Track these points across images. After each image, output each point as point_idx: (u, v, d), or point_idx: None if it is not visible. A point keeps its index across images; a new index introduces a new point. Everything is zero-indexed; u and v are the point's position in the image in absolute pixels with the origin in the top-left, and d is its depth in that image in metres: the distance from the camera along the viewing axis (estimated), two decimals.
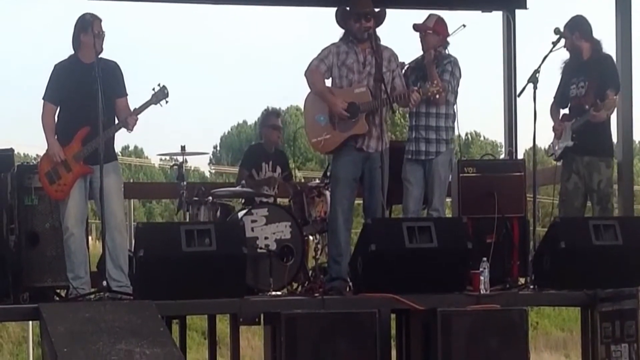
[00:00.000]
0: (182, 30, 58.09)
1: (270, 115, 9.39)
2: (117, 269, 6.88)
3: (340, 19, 7.42)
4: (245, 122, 37.85)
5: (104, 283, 6.70)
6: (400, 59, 7.59)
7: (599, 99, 7.54)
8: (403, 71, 7.61)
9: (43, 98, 7.05)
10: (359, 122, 7.25)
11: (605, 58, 7.91)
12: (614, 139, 8.23)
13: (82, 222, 7.08)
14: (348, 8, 7.40)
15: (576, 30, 7.78)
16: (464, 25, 7.74)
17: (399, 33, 8.14)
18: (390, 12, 7.60)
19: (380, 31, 7.40)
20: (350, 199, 7.34)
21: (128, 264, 6.92)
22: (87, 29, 6.98)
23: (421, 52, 7.74)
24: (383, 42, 7.40)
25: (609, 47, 8.38)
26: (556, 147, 7.85)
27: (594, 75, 7.72)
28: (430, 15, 7.77)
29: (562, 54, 7.82)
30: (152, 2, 10.47)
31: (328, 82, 7.43)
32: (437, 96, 7.32)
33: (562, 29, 7.63)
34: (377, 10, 7.36)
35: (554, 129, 7.84)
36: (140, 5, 10.49)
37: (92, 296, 6.75)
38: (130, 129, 7.00)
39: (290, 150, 12.22)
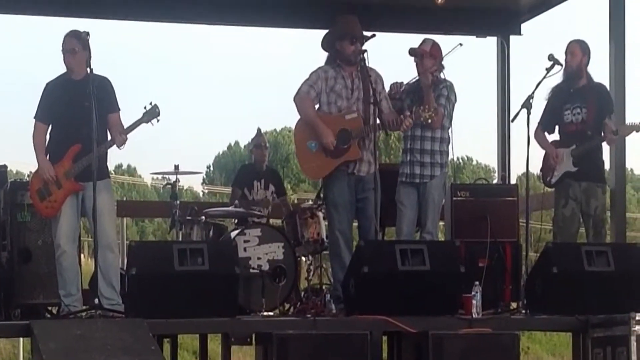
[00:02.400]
0: (177, 49, 58.16)
1: (256, 136, 9.72)
2: (109, 287, 6.86)
3: (331, 41, 7.39)
4: (237, 143, 37.91)
5: (96, 301, 6.68)
6: (397, 80, 7.64)
7: (611, 123, 7.69)
8: (400, 92, 7.64)
9: (34, 117, 7.04)
10: (351, 148, 7.26)
11: (602, 86, 7.99)
12: (607, 166, 8.27)
13: (74, 239, 7.06)
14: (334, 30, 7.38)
15: (586, 55, 7.84)
16: (461, 44, 7.76)
17: (393, 57, 8.17)
18: (385, 37, 7.64)
19: (373, 54, 7.43)
20: (350, 221, 7.36)
21: (120, 282, 6.91)
22: (63, 47, 7.00)
23: (416, 76, 7.75)
24: (373, 65, 7.38)
25: (603, 74, 8.47)
26: (555, 173, 7.87)
27: (593, 101, 7.77)
28: (425, 40, 7.78)
29: (555, 80, 7.85)
30: (148, 21, 10.48)
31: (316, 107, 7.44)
32: (430, 121, 7.33)
33: (556, 56, 7.65)
34: (369, 34, 7.36)
35: (554, 156, 7.84)
36: (134, 24, 10.58)
37: (84, 314, 6.72)
38: (119, 147, 6.99)
39: (282, 172, 12.38)
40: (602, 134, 7.79)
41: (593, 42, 8.01)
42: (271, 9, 9.80)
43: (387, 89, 7.58)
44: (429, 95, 7.51)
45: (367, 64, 7.26)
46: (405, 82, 7.74)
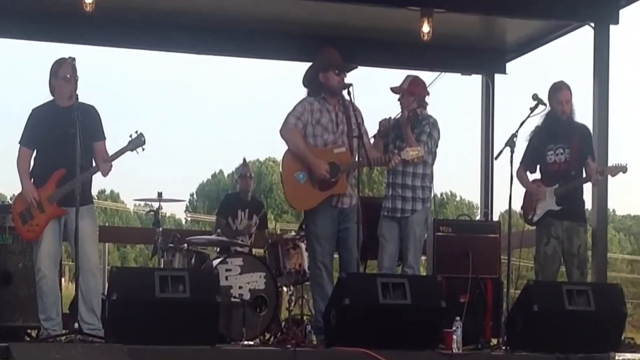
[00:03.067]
0: (163, 77, 58.31)
1: (241, 166, 9.85)
2: (89, 312, 6.85)
3: (314, 74, 7.37)
4: (222, 171, 37.97)
5: (76, 325, 6.66)
6: (386, 116, 7.69)
7: (594, 164, 7.79)
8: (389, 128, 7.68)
9: (19, 142, 7.05)
10: (339, 182, 7.25)
11: (584, 127, 8.06)
12: (587, 205, 8.31)
13: (55, 263, 7.04)
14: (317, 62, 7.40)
15: (572, 97, 7.92)
16: (441, 72, 7.83)
17: (381, 91, 8.22)
18: (376, 71, 7.67)
19: (366, 89, 7.47)
20: (331, 253, 7.35)
21: (101, 307, 6.89)
22: (57, 74, 7.02)
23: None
24: (360, 99, 7.40)
25: (586, 114, 8.55)
26: (537, 211, 7.91)
27: (576, 142, 7.84)
28: (406, 77, 7.84)
29: (538, 120, 7.91)
30: (135, 48, 10.50)
31: None
32: (416, 160, 7.37)
33: (540, 96, 7.68)
34: (352, 66, 7.39)
35: (536, 194, 7.89)
36: (123, 50, 10.52)
37: (63, 338, 6.71)
38: (104, 175, 7.01)
39: (266, 202, 12.45)
40: (585, 174, 7.84)
41: (576, 81, 8.11)
42: (258, 41, 9.87)
43: (370, 121, 7.61)
44: (407, 131, 7.57)
45: (352, 98, 7.29)
46: (392, 117, 7.78)
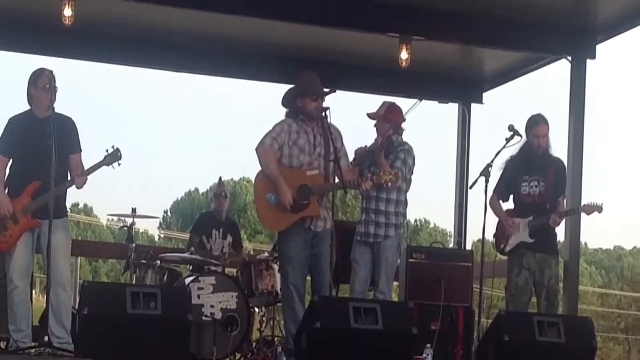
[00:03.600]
0: (142, 93, 58.25)
1: (217, 185, 9.82)
2: (59, 325, 6.82)
3: (292, 98, 7.35)
4: (197, 189, 37.94)
5: (46, 338, 6.63)
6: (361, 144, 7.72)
7: (564, 203, 7.88)
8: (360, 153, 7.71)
9: None
10: (311, 204, 7.21)
11: (560, 161, 8.10)
12: (560, 238, 8.36)
13: (27, 275, 7.02)
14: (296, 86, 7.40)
15: (549, 131, 7.96)
16: (420, 100, 7.87)
17: (359, 115, 8.25)
18: (354, 96, 7.69)
19: (344, 113, 7.48)
20: (303, 276, 7.32)
21: (71, 321, 6.86)
22: (36, 83, 7.01)
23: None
24: (338, 122, 7.42)
25: (561, 147, 8.61)
26: (510, 241, 7.95)
27: (550, 176, 7.88)
28: (383, 103, 7.88)
29: (513, 150, 7.94)
30: (111, 64, 10.47)
31: None
32: (390, 184, 7.39)
33: (516, 127, 7.71)
34: (329, 90, 7.37)
35: (509, 225, 7.93)
36: (101, 65, 10.50)
37: (33, 350, 6.67)
38: (79, 188, 6.98)
39: (239, 221, 12.45)
40: (555, 212, 7.85)
41: (552, 112, 8.16)
42: (237, 62, 9.89)
43: (347, 146, 7.62)
44: (380, 157, 7.61)
45: (329, 121, 7.28)
46: (367, 145, 7.81)
